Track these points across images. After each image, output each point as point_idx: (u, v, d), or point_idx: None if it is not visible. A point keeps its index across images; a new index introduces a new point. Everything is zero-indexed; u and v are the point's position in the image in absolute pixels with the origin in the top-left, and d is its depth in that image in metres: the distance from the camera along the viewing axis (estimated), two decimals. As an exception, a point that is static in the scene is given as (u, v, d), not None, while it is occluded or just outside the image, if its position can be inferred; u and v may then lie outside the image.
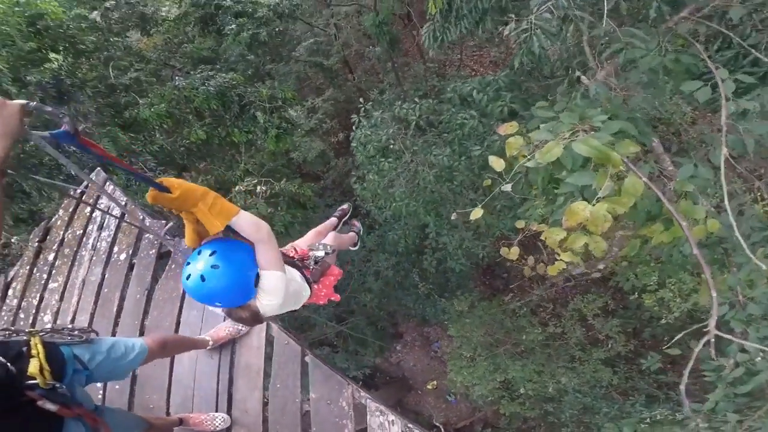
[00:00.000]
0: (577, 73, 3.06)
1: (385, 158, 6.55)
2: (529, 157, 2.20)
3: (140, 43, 9.45)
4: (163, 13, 8.82)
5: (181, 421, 3.06)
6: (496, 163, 2.42)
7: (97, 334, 2.34)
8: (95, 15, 6.83)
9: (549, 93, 5.34)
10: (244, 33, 7.61)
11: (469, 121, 5.77)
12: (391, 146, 6.47)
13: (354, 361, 10.53)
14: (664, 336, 7.94)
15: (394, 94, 9.40)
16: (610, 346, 8.34)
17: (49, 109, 1.03)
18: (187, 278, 1.83)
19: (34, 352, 1.88)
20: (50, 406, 1.80)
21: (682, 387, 2.15)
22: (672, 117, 6.59)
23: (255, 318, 2.01)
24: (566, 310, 9.14)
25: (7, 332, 1.98)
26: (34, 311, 3.96)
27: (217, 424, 3.08)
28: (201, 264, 1.81)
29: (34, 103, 1.01)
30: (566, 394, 7.98)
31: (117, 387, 3.32)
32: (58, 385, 1.87)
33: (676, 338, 2.52)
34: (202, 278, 1.79)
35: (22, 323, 3.93)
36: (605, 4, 2.62)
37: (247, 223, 1.83)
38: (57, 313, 3.87)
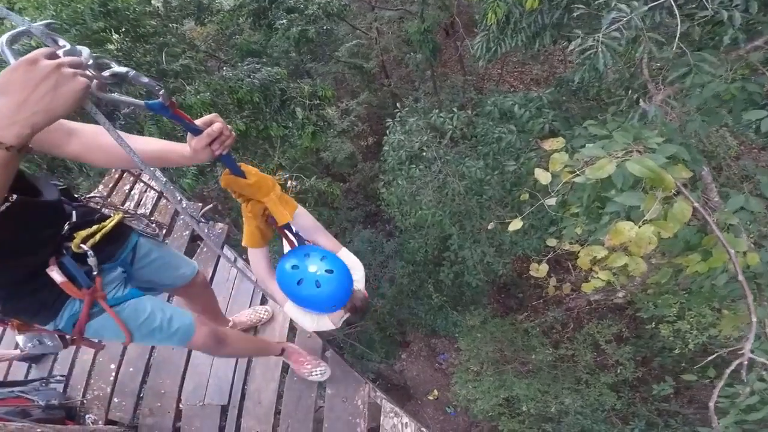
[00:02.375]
0: (636, 95, 3.05)
1: (416, 165, 6.55)
2: (578, 172, 2.20)
3: (193, 32, 9.66)
4: (219, 4, 8.98)
5: (282, 352, 3.01)
6: (542, 176, 2.42)
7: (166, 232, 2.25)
8: (157, 1, 7.03)
9: (589, 115, 5.31)
10: (294, 29, 7.71)
11: (507, 135, 5.73)
12: (424, 154, 6.47)
13: (360, 365, 10.53)
14: (673, 366, 7.95)
15: (429, 103, 9.43)
16: (618, 371, 8.30)
17: (146, 80, 1.01)
18: (298, 283, 1.79)
19: (104, 223, 1.79)
20: (56, 276, 1.60)
21: (711, 404, 2.16)
22: (716, 150, 6.49)
23: (364, 299, 2.03)
24: (580, 333, 9.08)
25: (99, 202, 1.91)
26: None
27: (316, 374, 3.04)
28: (314, 268, 1.79)
29: (133, 72, 0.99)
30: (567, 415, 7.94)
31: (131, 370, 3.28)
32: (90, 253, 1.68)
33: (703, 363, 2.52)
34: (317, 284, 1.77)
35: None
36: (678, 27, 2.60)
37: (305, 213, 1.88)
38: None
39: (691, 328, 6.39)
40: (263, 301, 3.51)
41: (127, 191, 4.42)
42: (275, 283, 1.93)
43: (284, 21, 8.01)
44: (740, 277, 1.99)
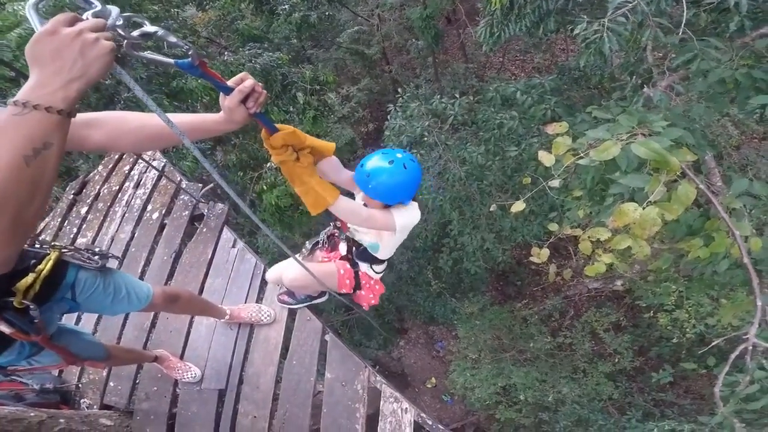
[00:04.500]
0: (640, 80, 3.02)
1: (417, 150, 6.52)
2: (582, 154, 2.17)
3: (194, 18, 9.62)
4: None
5: (155, 359, 3.02)
6: (546, 158, 2.40)
7: (119, 262, 2.30)
8: None
9: (591, 103, 5.30)
10: (296, 14, 7.66)
11: (509, 121, 5.71)
12: (425, 139, 6.44)
13: (357, 352, 10.57)
14: (670, 356, 8.02)
15: (430, 90, 9.36)
16: (617, 360, 8.38)
17: (174, 39, 1.01)
18: (390, 162, 1.95)
19: (40, 267, 1.81)
20: (4, 328, 1.70)
21: (717, 389, 2.16)
22: (717, 139, 6.47)
23: (387, 218, 2.08)
24: (578, 322, 9.15)
25: (35, 240, 1.91)
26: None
27: (187, 377, 3.06)
28: (400, 155, 1.98)
29: (162, 31, 0.99)
30: (564, 404, 8.01)
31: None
32: (32, 307, 1.75)
33: (704, 350, 2.52)
34: (405, 166, 1.95)
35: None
36: (684, 13, 2.57)
37: None
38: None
39: (689, 317, 6.44)
40: (260, 299, 3.47)
41: (126, 172, 4.40)
42: (373, 210, 2.08)
43: (286, 6, 7.94)
44: (745, 260, 1.98)
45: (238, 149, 7.34)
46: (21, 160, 0.82)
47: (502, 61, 12.92)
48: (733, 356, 2.09)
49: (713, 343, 2.66)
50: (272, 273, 2.82)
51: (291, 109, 6.83)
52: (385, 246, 2.36)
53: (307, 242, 2.81)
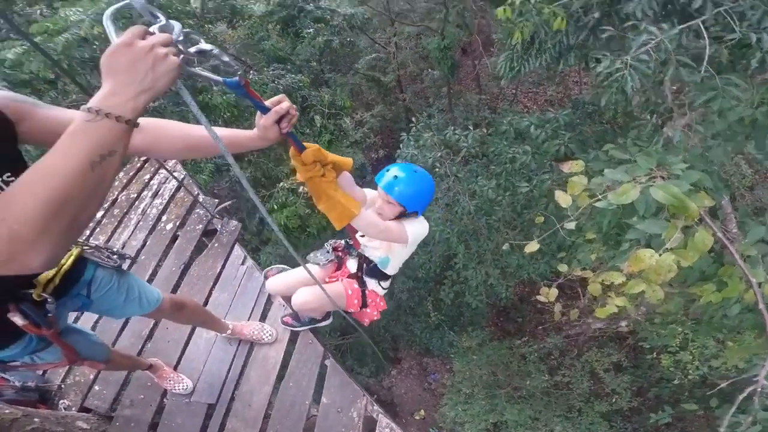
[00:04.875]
0: (660, 119, 3.02)
1: (428, 180, 6.53)
2: (599, 197, 2.19)
3: (224, 35, 9.86)
4: (250, 9, 9.13)
5: (150, 367, 3.00)
6: (563, 199, 2.41)
7: (134, 262, 2.30)
8: (195, 3, 7.17)
9: (603, 139, 5.30)
10: (320, 38, 7.84)
11: (522, 156, 5.70)
12: (436, 170, 6.48)
13: (355, 378, 10.44)
14: (669, 397, 7.92)
15: (443, 119, 9.47)
16: (614, 400, 8.29)
17: (227, 59, 1.07)
18: (415, 171, 2.18)
19: (62, 261, 1.83)
20: (18, 320, 1.69)
21: (722, 430, 2.13)
22: (731, 179, 6.45)
23: (400, 230, 2.21)
24: (578, 361, 9.03)
25: None
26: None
27: (177, 388, 3.03)
28: (417, 170, 2.20)
29: (217, 50, 1.05)
30: (555, 443, 7.86)
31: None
32: (50, 300, 1.77)
33: (712, 391, 2.50)
34: (415, 171, 2.17)
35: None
36: (707, 50, 2.60)
37: None
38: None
39: (693, 358, 6.41)
40: (263, 318, 3.46)
41: (146, 180, 4.44)
42: (389, 222, 2.19)
43: (311, 30, 8.13)
44: (761, 306, 1.98)
45: (253, 166, 7.41)
46: (88, 165, 0.85)
47: (515, 93, 13.04)
48: (741, 397, 2.08)
49: (721, 385, 2.64)
50: (273, 283, 2.82)
51: (307, 131, 6.93)
52: (395, 260, 2.48)
53: (311, 254, 2.83)
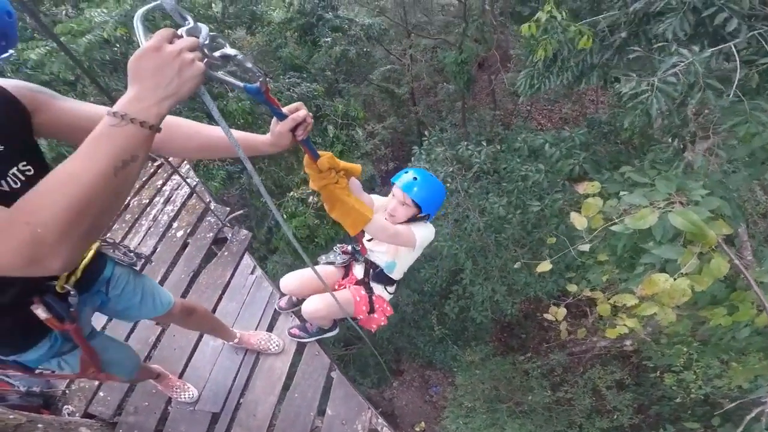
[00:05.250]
0: (682, 143, 2.98)
1: (439, 195, 6.52)
2: (616, 220, 2.19)
3: (242, 40, 9.95)
4: (270, 16, 9.23)
5: (158, 376, 2.97)
6: (578, 221, 2.42)
7: (149, 262, 2.27)
8: (216, 7, 7.26)
9: (617, 160, 5.26)
10: (337, 47, 7.90)
11: (534, 174, 5.67)
12: (447, 185, 6.47)
13: (360, 391, 10.41)
14: (670, 414, 7.92)
15: (455, 134, 9.49)
16: (615, 417, 8.26)
17: (250, 65, 1.07)
18: (431, 175, 2.29)
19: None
20: (41, 312, 1.64)
21: None
22: (744, 205, 6.38)
23: (409, 233, 2.27)
24: (581, 378, 8.99)
25: None
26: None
27: (184, 397, 3.01)
28: (430, 173, 2.30)
29: (241, 55, 1.05)
30: (555, 458, 7.82)
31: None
32: (72, 292, 1.73)
33: (720, 412, 2.50)
34: (430, 175, 2.27)
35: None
36: (738, 73, 2.58)
37: None
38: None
39: (696, 378, 6.36)
40: (271, 328, 3.45)
41: (159, 186, 4.46)
42: (403, 228, 2.25)
43: (329, 39, 8.20)
44: None
45: (264, 175, 7.43)
46: (111, 170, 0.85)
47: (530, 109, 13.05)
48: (748, 418, 2.07)
49: (725, 404, 2.64)
50: (287, 281, 2.82)
51: (320, 140, 6.96)
52: (401, 264, 2.53)
53: (322, 256, 2.88)
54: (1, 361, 1.82)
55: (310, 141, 1.49)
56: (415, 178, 2.19)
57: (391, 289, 2.70)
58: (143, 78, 0.90)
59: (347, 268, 2.79)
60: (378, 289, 2.66)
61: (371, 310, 2.63)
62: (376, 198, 2.43)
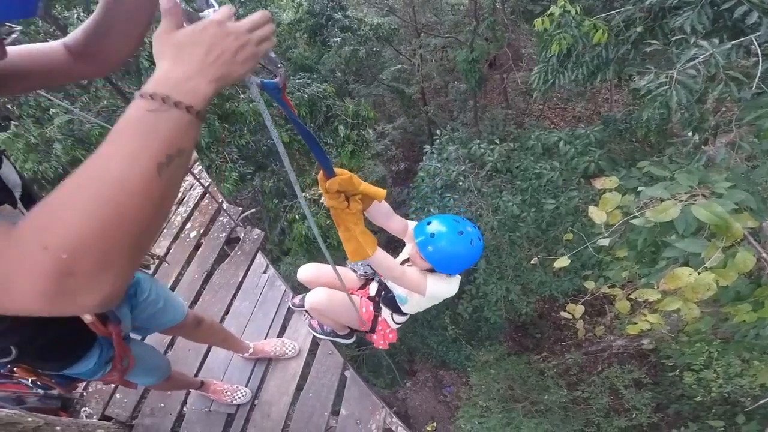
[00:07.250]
0: (703, 136, 2.94)
1: (451, 194, 6.50)
2: (636, 214, 2.13)
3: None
4: (280, 17, 9.26)
5: (202, 384, 2.94)
6: (597, 215, 2.37)
7: (164, 262, 2.20)
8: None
9: (632, 158, 5.18)
10: (347, 47, 7.90)
11: (549, 172, 5.60)
12: (460, 183, 6.44)
13: (375, 390, 10.43)
14: (689, 413, 7.84)
15: (467, 133, 9.44)
16: (633, 416, 8.15)
17: (273, 55, 0.94)
18: (460, 234, 1.91)
19: None
20: (86, 316, 1.59)
21: None
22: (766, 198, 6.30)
23: (420, 282, 2.04)
24: (598, 377, 8.92)
25: None
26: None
27: (236, 398, 2.98)
28: (470, 228, 1.96)
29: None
30: (573, 457, 7.77)
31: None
32: None
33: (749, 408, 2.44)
34: (472, 242, 1.93)
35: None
36: (760, 66, 2.53)
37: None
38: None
39: (717, 376, 6.27)
40: (282, 332, 3.43)
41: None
42: (409, 270, 2.03)
43: (338, 39, 8.21)
44: None
45: (275, 176, 7.48)
46: (154, 169, 0.66)
47: (542, 108, 12.96)
48: None
49: (747, 404, 2.59)
50: (305, 271, 2.67)
51: (330, 141, 6.97)
52: (413, 304, 2.32)
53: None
54: (48, 376, 1.77)
55: (324, 154, 1.39)
56: (433, 235, 1.90)
57: (399, 319, 2.53)
58: (193, 53, 0.74)
59: (366, 281, 2.68)
60: (385, 312, 2.52)
61: (372, 329, 2.54)
62: (411, 224, 2.14)
